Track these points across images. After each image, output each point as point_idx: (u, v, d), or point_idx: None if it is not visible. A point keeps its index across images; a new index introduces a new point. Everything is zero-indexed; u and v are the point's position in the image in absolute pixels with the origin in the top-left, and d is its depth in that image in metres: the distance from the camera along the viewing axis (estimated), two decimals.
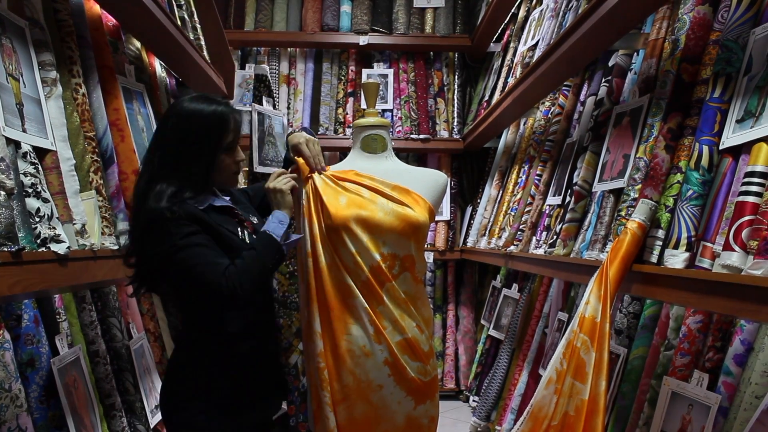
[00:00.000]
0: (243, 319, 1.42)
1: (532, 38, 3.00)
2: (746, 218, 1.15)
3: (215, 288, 1.27)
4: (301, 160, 1.58)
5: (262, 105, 2.90)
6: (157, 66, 2.40)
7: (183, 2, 2.61)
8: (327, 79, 4.20)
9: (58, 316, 1.65)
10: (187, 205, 1.31)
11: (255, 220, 1.50)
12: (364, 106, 1.78)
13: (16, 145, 1.21)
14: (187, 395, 1.37)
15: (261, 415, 1.49)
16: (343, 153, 4.02)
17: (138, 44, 2.22)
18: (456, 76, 4.28)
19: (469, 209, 4.12)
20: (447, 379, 3.99)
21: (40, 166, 1.28)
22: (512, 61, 3.41)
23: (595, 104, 2.18)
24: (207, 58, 2.72)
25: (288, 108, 4.15)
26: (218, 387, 1.38)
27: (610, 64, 2.16)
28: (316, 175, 1.58)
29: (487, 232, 3.42)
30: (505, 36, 3.81)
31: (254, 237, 1.42)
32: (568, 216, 2.01)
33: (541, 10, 3.02)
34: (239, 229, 1.42)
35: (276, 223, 1.42)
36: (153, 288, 1.45)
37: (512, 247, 2.68)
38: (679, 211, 1.38)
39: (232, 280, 1.28)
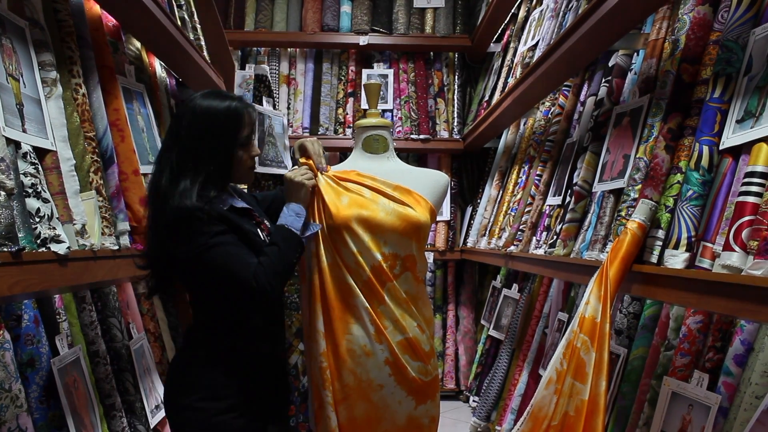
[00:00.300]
0: (261, 320, 1.41)
1: (532, 38, 3.00)
2: (746, 218, 1.15)
3: (246, 287, 1.27)
4: (310, 162, 1.59)
5: (262, 105, 2.90)
6: (157, 66, 2.40)
7: (183, 2, 2.61)
8: (327, 79, 4.20)
9: (58, 317, 1.65)
10: (215, 205, 1.31)
11: (268, 223, 1.51)
12: (364, 106, 1.78)
13: (16, 145, 1.21)
14: (200, 396, 1.33)
15: (269, 416, 1.48)
16: (343, 153, 4.03)
17: (138, 44, 2.22)
18: (456, 77, 4.28)
19: (469, 209, 4.12)
20: (447, 379, 3.99)
21: (40, 167, 1.28)
22: (512, 62, 3.41)
23: (595, 104, 2.18)
24: (207, 58, 2.72)
25: (288, 108, 4.15)
26: (234, 388, 1.36)
27: (610, 64, 2.16)
28: (318, 176, 1.59)
29: (487, 233, 3.42)
30: (505, 36, 3.81)
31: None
32: (568, 216, 2.01)
33: (541, 11, 3.03)
34: (258, 230, 1.42)
35: (293, 217, 1.41)
36: (165, 288, 1.44)
37: (512, 248, 2.68)
38: (679, 211, 1.38)
39: (262, 278, 1.28)
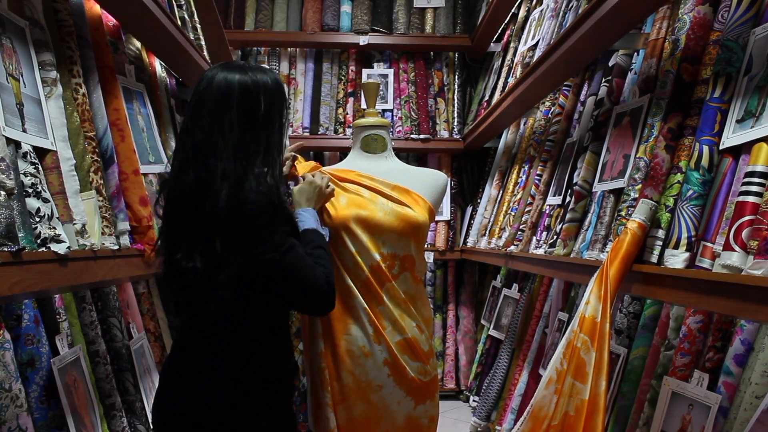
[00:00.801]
0: (288, 331, 1.37)
1: (532, 38, 3.00)
2: (746, 218, 1.15)
3: (321, 294, 1.22)
4: (298, 165, 1.59)
5: None
6: (157, 66, 2.40)
7: (183, 2, 2.61)
8: (327, 79, 4.20)
9: (58, 316, 1.65)
10: (285, 200, 1.22)
11: None
12: (364, 106, 1.78)
13: (17, 145, 1.21)
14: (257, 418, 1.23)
15: None
16: (343, 153, 4.02)
17: (138, 44, 2.22)
18: (456, 76, 4.28)
19: (469, 209, 4.12)
20: (447, 379, 3.99)
21: (40, 166, 1.28)
22: (512, 61, 3.41)
23: (595, 104, 2.18)
24: (207, 58, 2.72)
25: (288, 108, 4.15)
26: (281, 408, 1.29)
27: (610, 64, 2.16)
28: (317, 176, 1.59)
29: (487, 232, 3.42)
30: (505, 36, 3.81)
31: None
32: (568, 216, 2.01)
33: (542, 10, 3.02)
34: None
35: (316, 223, 1.39)
36: (206, 304, 1.22)
37: (512, 247, 2.68)
38: (680, 211, 1.38)
39: (331, 284, 1.24)
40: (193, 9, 2.81)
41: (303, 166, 1.65)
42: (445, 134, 4.17)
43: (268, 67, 1.32)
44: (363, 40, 4.11)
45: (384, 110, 4.16)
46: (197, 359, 1.26)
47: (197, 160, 1.19)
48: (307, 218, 1.39)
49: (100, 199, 1.52)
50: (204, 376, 1.24)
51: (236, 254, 1.16)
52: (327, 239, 1.44)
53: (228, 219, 1.15)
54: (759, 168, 1.17)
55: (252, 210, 1.15)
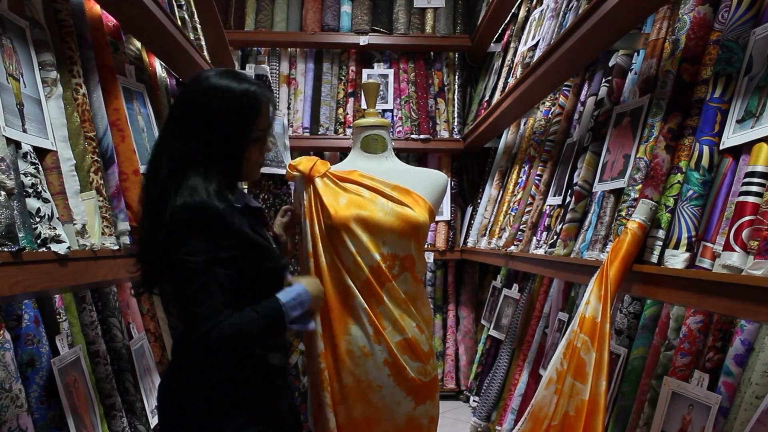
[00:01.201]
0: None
1: (533, 38, 3.00)
2: (746, 218, 1.15)
3: (193, 327, 1.12)
4: (302, 162, 1.59)
5: None
6: (157, 66, 2.40)
7: (183, 2, 2.61)
8: (327, 79, 4.21)
9: (58, 316, 1.65)
10: (235, 212, 1.17)
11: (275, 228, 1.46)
12: (364, 106, 1.78)
13: (17, 145, 1.21)
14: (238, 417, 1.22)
15: None
16: (343, 153, 4.03)
17: (138, 44, 2.22)
18: (456, 76, 4.28)
19: (470, 209, 4.12)
20: (447, 379, 3.99)
21: (40, 166, 1.28)
22: (512, 62, 3.41)
23: (596, 104, 2.18)
24: (207, 58, 2.72)
25: (288, 108, 4.15)
26: (249, 412, 1.25)
27: (611, 64, 2.16)
28: (317, 177, 1.59)
29: (487, 232, 3.42)
30: (506, 36, 3.81)
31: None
32: (568, 216, 2.01)
33: (542, 10, 3.02)
34: (268, 233, 1.32)
35: (298, 307, 1.24)
36: (149, 287, 1.31)
37: (512, 247, 2.68)
38: (680, 211, 1.38)
39: (216, 333, 1.10)
40: (193, 9, 2.81)
41: (307, 161, 1.64)
42: (445, 134, 4.17)
43: (250, 77, 1.26)
44: (363, 40, 4.11)
45: (384, 110, 4.16)
46: (181, 359, 1.29)
47: (153, 158, 1.25)
48: (290, 294, 1.24)
49: (101, 199, 1.52)
50: (188, 376, 1.25)
51: (155, 250, 1.19)
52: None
53: (156, 218, 1.18)
54: (759, 168, 1.17)
55: (187, 214, 1.13)
